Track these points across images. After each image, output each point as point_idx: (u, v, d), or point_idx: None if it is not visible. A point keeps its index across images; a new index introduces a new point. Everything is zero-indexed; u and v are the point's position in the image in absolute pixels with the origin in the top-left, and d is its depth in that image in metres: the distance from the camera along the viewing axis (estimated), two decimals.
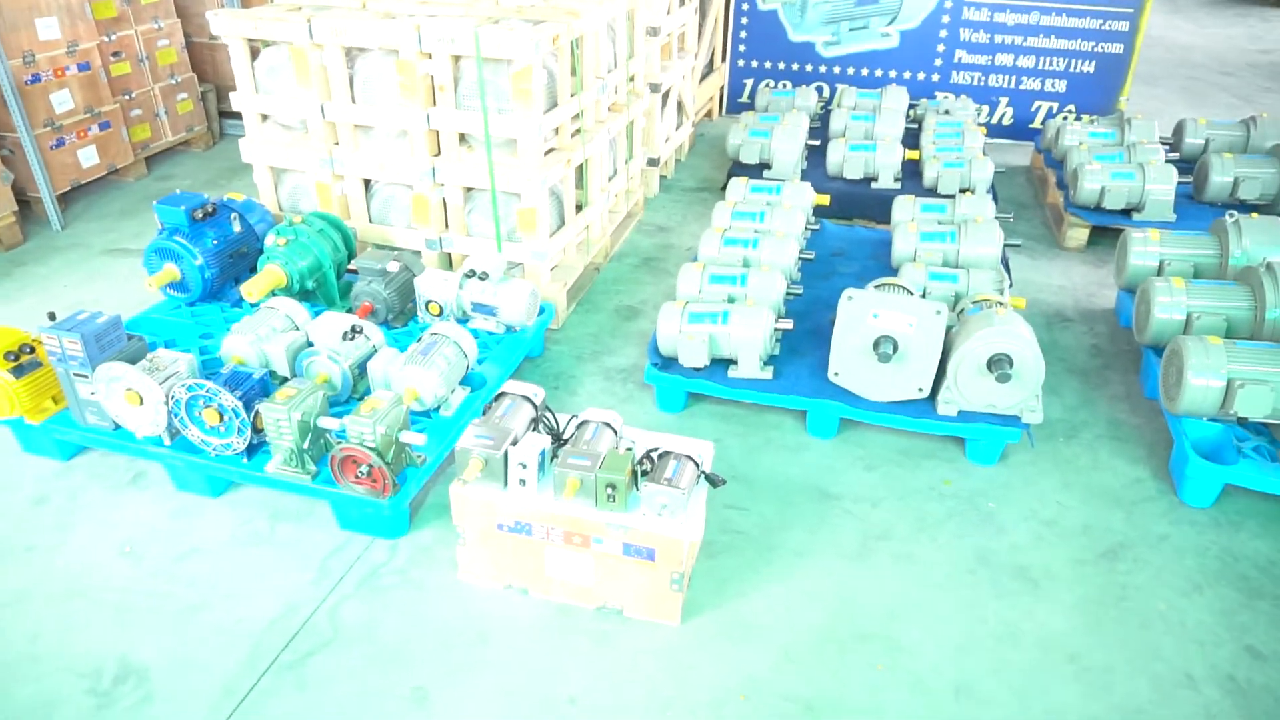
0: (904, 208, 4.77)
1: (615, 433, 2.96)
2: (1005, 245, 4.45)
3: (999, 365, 3.36)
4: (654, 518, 2.72)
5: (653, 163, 5.88)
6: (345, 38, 4.10)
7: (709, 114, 7.53)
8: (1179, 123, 6.15)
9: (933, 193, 5.46)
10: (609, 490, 2.71)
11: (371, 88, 4.25)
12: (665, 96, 6.01)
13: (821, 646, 2.85)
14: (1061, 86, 6.95)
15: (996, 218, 4.72)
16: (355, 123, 4.32)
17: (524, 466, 2.78)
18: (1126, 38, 6.72)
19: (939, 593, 3.05)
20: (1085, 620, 2.96)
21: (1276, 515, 3.39)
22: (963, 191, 5.44)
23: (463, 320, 4.04)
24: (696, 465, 2.82)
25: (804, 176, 5.75)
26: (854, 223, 5.56)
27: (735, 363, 3.76)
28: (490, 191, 4.22)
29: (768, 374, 3.74)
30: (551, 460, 2.90)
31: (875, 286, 3.95)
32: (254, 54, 4.47)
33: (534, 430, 3.00)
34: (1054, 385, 4.16)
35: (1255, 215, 4.23)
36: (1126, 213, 5.34)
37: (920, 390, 3.58)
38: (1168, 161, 5.76)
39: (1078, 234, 5.43)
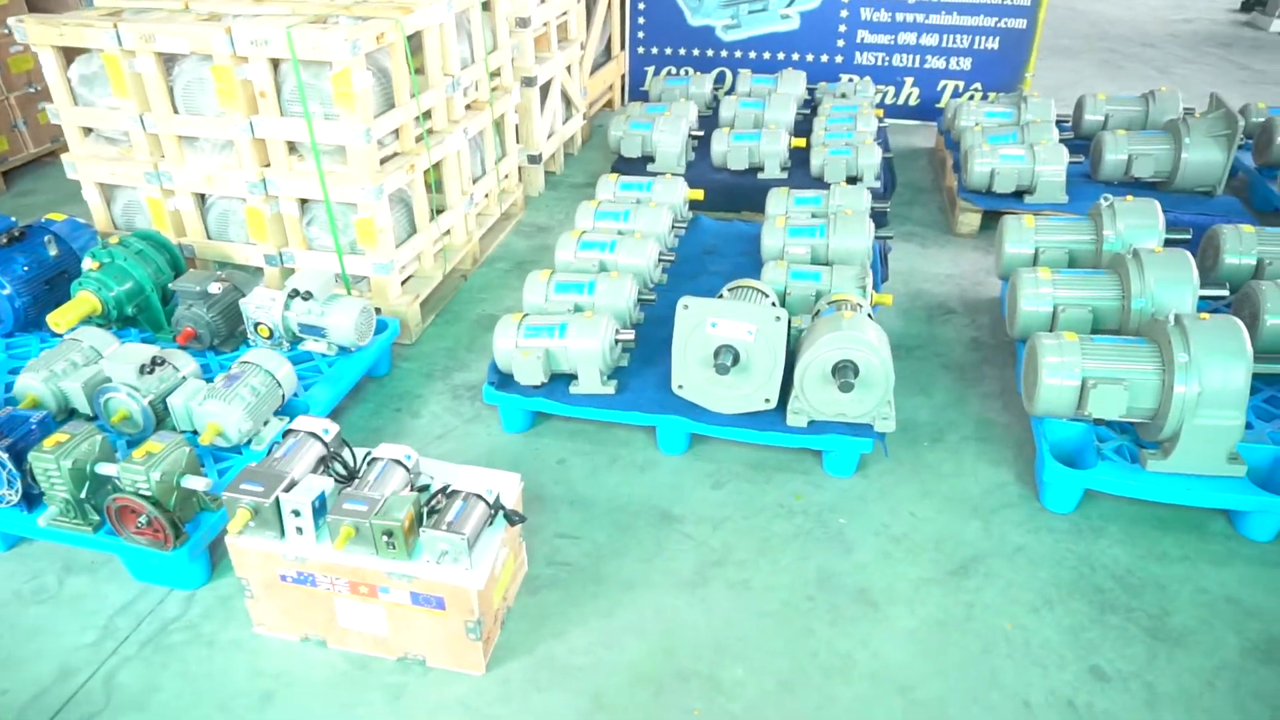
0: (778, 201, 4.55)
1: (408, 470, 2.72)
2: (879, 237, 4.25)
3: (843, 373, 3.15)
4: (439, 564, 2.49)
5: (533, 160, 5.63)
6: (156, 43, 3.80)
7: (609, 104, 7.27)
8: (1079, 99, 5.96)
9: (820, 182, 5.24)
10: (386, 538, 2.47)
11: (192, 96, 3.97)
12: (546, 89, 5.74)
13: (636, 689, 2.64)
14: (966, 64, 6.75)
15: (874, 208, 4.52)
16: (177, 133, 4.04)
17: (297, 514, 2.54)
18: (1029, 12, 6.52)
19: (772, 623, 2.84)
20: (924, 646, 2.76)
21: (1139, 518, 3.21)
22: (850, 180, 5.24)
23: (296, 342, 3.78)
24: (489, 504, 2.59)
25: (690, 169, 5.52)
26: (741, 216, 5.34)
27: (577, 378, 3.53)
28: (324, 203, 3.96)
29: (610, 389, 3.52)
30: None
31: (730, 289, 3.74)
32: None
33: (324, 470, 2.76)
34: (927, 383, 3.96)
35: (1130, 198, 4.04)
36: (1019, 195, 5.15)
37: (767, 401, 3.37)
38: (1063, 140, 5.60)
39: (969, 219, 5.24)
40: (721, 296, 3.70)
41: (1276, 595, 2.92)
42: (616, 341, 3.53)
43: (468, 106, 4.70)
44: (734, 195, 5.32)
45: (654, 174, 5.35)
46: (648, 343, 3.80)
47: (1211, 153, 5.06)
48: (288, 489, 2.59)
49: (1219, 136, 5.05)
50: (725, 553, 3.11)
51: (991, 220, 5.27)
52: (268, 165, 4.00)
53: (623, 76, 7.33)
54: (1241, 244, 3.92)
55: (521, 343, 3.50)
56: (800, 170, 5.40)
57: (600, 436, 3.64)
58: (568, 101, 6.20)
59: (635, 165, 5.53)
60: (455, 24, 4.41)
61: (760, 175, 5.37)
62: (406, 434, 3.68)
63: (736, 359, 3.27)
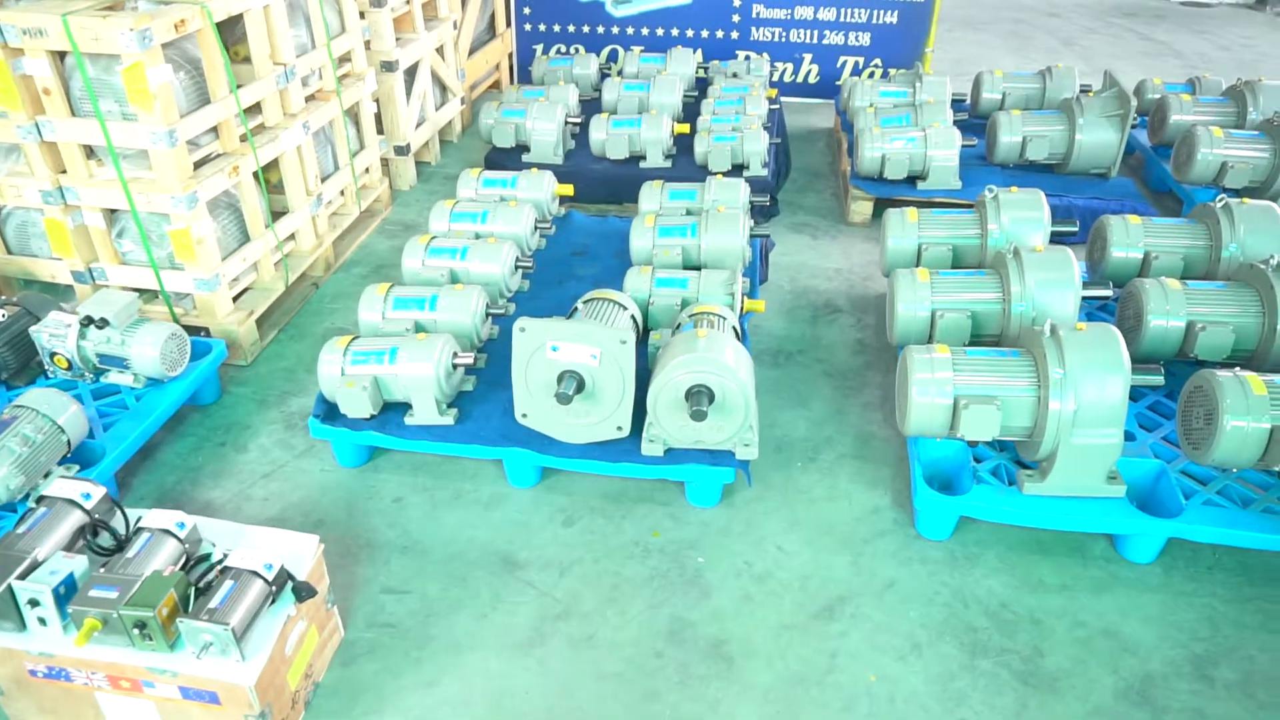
0: (650, 195, 4.22)
1: (180, 540, 2.35)
2: (756, 235, 3.95)
3: (695, 399, 2.86)
4: (199, 659, 2.13)
5: (401, 151, 5.20)
6: None
7: (496, 85, 6.84)
8: (977, 77, 5.74)
9: (705, 171, 4.92)
10: (139, 630, 2.11)
11: None
12: (412, 73, 5.31)
13: None
14: (865, 40, 6.46)
15: (752, 202, 4.22)
16: None
17: (36, 604, 2.16)
18: None
19: (613, 686, 2.55)
20: (778, 707, 2.50)
21: (1018, 543, 3.00)
22: (736, 168, 4.93)
23: (100, 374, 3.35)
24: (268, 581, 2.24)
25: (569, 158, 5.15)
26: (624, 210, 5.00)
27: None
28: (131, 212, 3.51)
29: (449, 419, 3.17)
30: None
31: (585, 301, 3.41)
32: None
33: (83, 543, 2.38)
34: (806, 394, 3.70)
35: (1015, 189, 3.79)
36: (912, 181, 4.90)
37: (619, 430, 3.06)
38: (962, 121, 5.38)
39: (861, 208, 4.98)
40: (576, 310, 3.37)
41: (1153, 624, 2.72)
42: (455, 365, 3.18)
43: (310, 97, 4.26)
44: (615, 187, 4.99)
45: (530, 165, 5.01)
46: (501, 361, 3.45)
47: (1105, 133, 4.87)
48: (26, 573, 2.20)
49: (1112, 116, 4.85)
50: (570, 603, 2.80)
51: (885, 208, 5.03)
52: (64, 172, 3.53)
53: (510, 56, 6.90)
54: (1129, 236, 3.72)
55: (349, 370, 3.13)
56: (686, 157, 5.07)
57: (445, 469, 3.30)
58: (443, 86, 5.76)
59: (510, 156, 5.14)
60: (288, 6, 3.96)
61: (643, 164, 5.03)
62: (229, 472, 3.30)
63: (581, 386, 2.95)
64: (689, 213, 4.05)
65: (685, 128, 5.07)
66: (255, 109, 3.88)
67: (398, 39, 5.11)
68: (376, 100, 5.03)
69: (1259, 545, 2.80)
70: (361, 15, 4.68)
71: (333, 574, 2.87)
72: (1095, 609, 2.78)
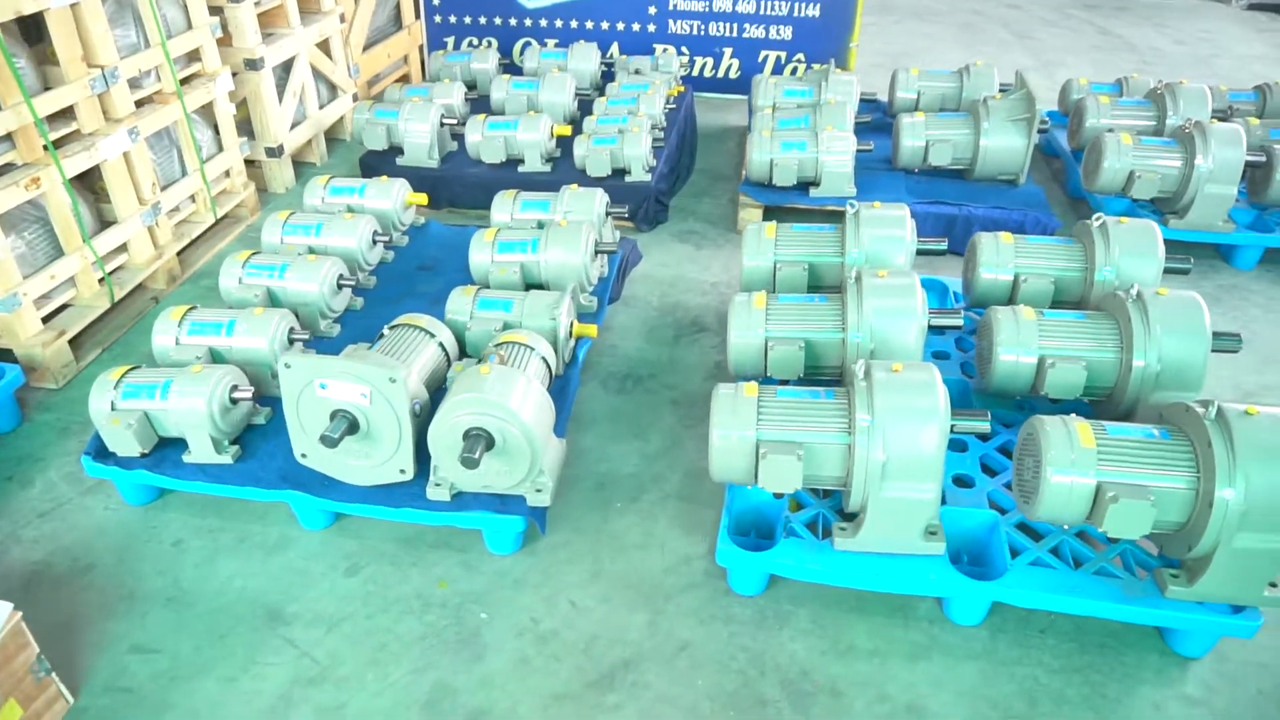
0: (502, 206, 3.95)
1: None
2: (599, 250, 3.67)
3: (470, 444, 2.59)
4: None
5: (273, 153, 4.93)
6: None
7: (405, 80, 6.55)
8: (892, 75, 5.42)
9: (584, 176, 4.65)
10: None
11: None
12: (288, 70, 5.03)
13: None
14: (787, 33, 6.16)
15: (609, 214, 3.94)
16: None
17: None
18: None
19: None
20: None
21: (836, 600, 2.73)
22: (619, 173, 4.65)
23: None
24: None
25: (447, 162, 4.88)
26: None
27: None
28: None
29: (228, 457, 2.92)
30: None
31: (391, 328, 3.15)
32: None
33: None
34: (646, 425, 3.43)
35: (878, 205, 3.51)
36: (805, 188, 4.61)
37: (403, 472, 2.81)
38: (872, 122, 5.09)
39: (750, 215, 4.68)
40: (382, 337, 3.11)
41: (965, 698, 2.46)
42: (235, 400, 2.92)
43: (146, 100, 4.00)
44: (491, 193, 4.64)
45: (403, 167, 4.75)
46: None
47: (1011, 138, 4.57)
48: None
49: (1019, 121, 4.55)
50: (329, 665, 2.55)
51: (783, 217, 4.75)
52: None
53: (421, 49, 6.61)
54: (998, 256, 3.42)
55: (119, 405, 2.88)
56: (569, 162, 4.79)
57: (234, 509, 3.05)
58: (329, 83, 5.48)
59: (384, 159, 4.87)
60: (114, 4, 3.70)
61: (521, 169, 4.75)
62: (3, 511, 3.06)
63: (354, 427, 2.69)
64: (540, 225, 3.78)
65: (566, 130, 4.78)
66: (71, 113, 3.62)
67: (269, 34, 4.84)
68: (244, 100, 4.76)
69: (1084, 611, 2.53)
70: (217, 11, 4.41)
71: (81, 630, 2.65)
72: (905, 679, 2.52)
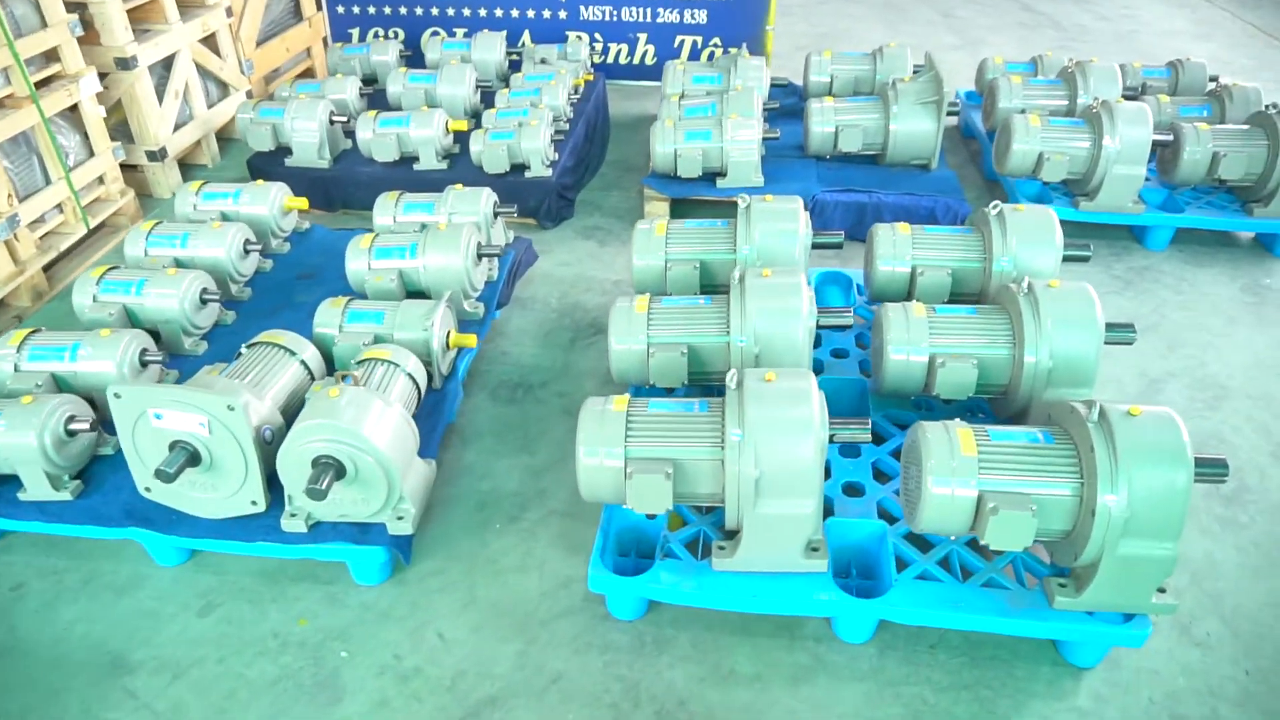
0: (384, 209, 3.74)
1: None
2: (483, 253, 3.48)
3: (317, 474, 2.41)
4: None
5: (154, 156, 4.67)
6: None
7: (309, 74, 6.27)
8: (806, 58, 5.27)
9: (482, 174, 4.44)
10: None
11: None
12: (170, 68, 4.76)
13: None
14: (703, 17, 5.97)
15: (499, 213, 3.75)
16: None
17: None
18: None
19: None
20: None
21: (720, 622, 2.59)
22: (519, 168, 4.46)
23: None
24: None
25: (338, 162, 4.65)
26: None
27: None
28: None
29: (68, 493, 2.71)
30: None
31: (249, 346, 2.94)
32: None
33: None
34: (534, 437, 3.26)
35: (770, 198, 3.35)
36: (712, 179, 4.45)
37: (254, 504, 2.62)
38: (786, 108, 4.94)
39: (656, 209, 4.52)
40: (240, 356, 2.91)
41: None
42: (73, 432, 2.70)
43: None
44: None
45: (292, 169, 4.52)
46: None
47: (921, 122, 4.44)
48: None
49: (928, 104, 4.42)
50: (170, 718, 2.37)
51: (690, 210, 4.60)
52: None
53: (325, 41, 6.33)
54: (895, 248, 3.29)
55: None
56: (468, 159, 4.58)
57: (83, 547, 2.83)
58: (218, 81, 5.21)
59: (273, 161, 4.63)
60: None
61: (416, 167, 4.54)
62: None
63: (194, 459, 2.50)
64: (423, 228, 3.58)
65: (463, 125, 4.58)
66: None
67: (144, 30, 4.56)
68: (119, 102, 4.49)
69: (969, 627, 2.42)
70: (77, 7, 4.13)
71: None
72: (786, 705, 2.39)
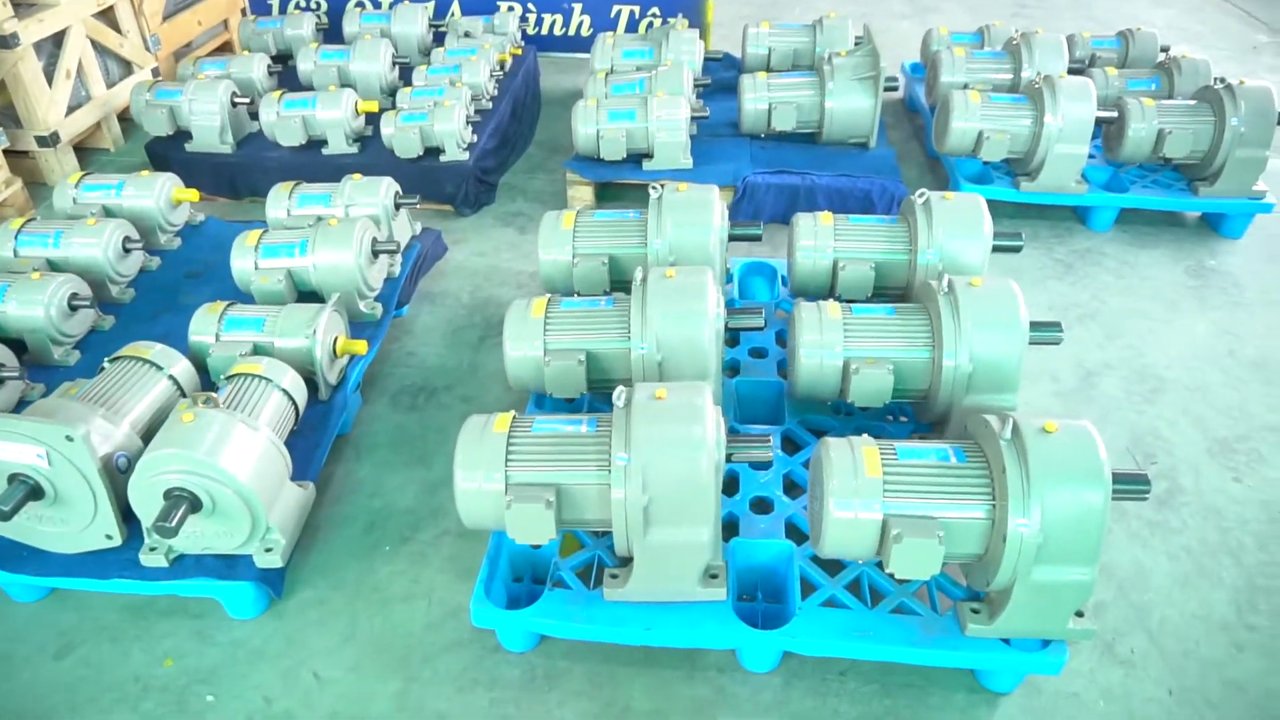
0: (278, 201, 3.49)
1: None
2: (378, 249, 3.25)
3: (168, 509, 2.20)
4: None
5: (45, 142, 4.37)
6: None
7: (226, 49, 5.94)
8: (744, 30, 5.02)
9: (393, 158, 4.19)
10: None
11: None
12: (61, 45, 4.44)
13: None
14: None
15: (400, 204, 3.52)
16: None
17: None
18: None
19: None
20: None
21: (617, 653, 2.41)
22: (433, 152, 4.21)
23: None
24: None
25: (243, 146, 4.37)
26: None
27: None
28: None
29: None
30: None
31: (111, 361, 2.71)
32: None
33: None
34: (431, 448, 3.06)
35: (683, 186, 3.14)
36: (639, 161, 4.22)
37: (109, 538, 2.41)
38: (720, 84, 4.70)
39: (581, 194, 4.29)
40: (102, 371, 2.68)
41: None
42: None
43: None
44: (293, 179, 4.21)
45: (194, 154, 4.24)
46: None
47: (858, 99, 4.23)
48: None
49: (865, 79, 4.21)
50: None
51: (619, 192, 4.38)
52: None
53: (243, 13, 5.99)
54: (816, 239, 3.10)
55: None
56: (381, 142, 4.31)
57: None
58: (118, 58, 4.89)
59: (173, 146, 4.35)
60: None
61: (325, 151, 4.27)
62: None
63: (35, 492, 2.28)
64: (319, 221, 3.33)
65: (373, 105, 4.31)
66: None
67: (28, 5, 4.25)
68: (2, 83, 4.18)
69: (877, 657, 2.27)
70: None
71: None
72: None
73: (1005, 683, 2.32)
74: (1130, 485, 2.14)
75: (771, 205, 4.15)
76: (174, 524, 2.16)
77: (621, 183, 4.20)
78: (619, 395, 2.24)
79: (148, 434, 2.53)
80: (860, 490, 2.14)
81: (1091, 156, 4.34)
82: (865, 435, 2.29)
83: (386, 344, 3.46)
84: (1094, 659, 2.42)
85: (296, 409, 2.69)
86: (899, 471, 2.17)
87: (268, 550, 2.39)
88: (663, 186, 3.13)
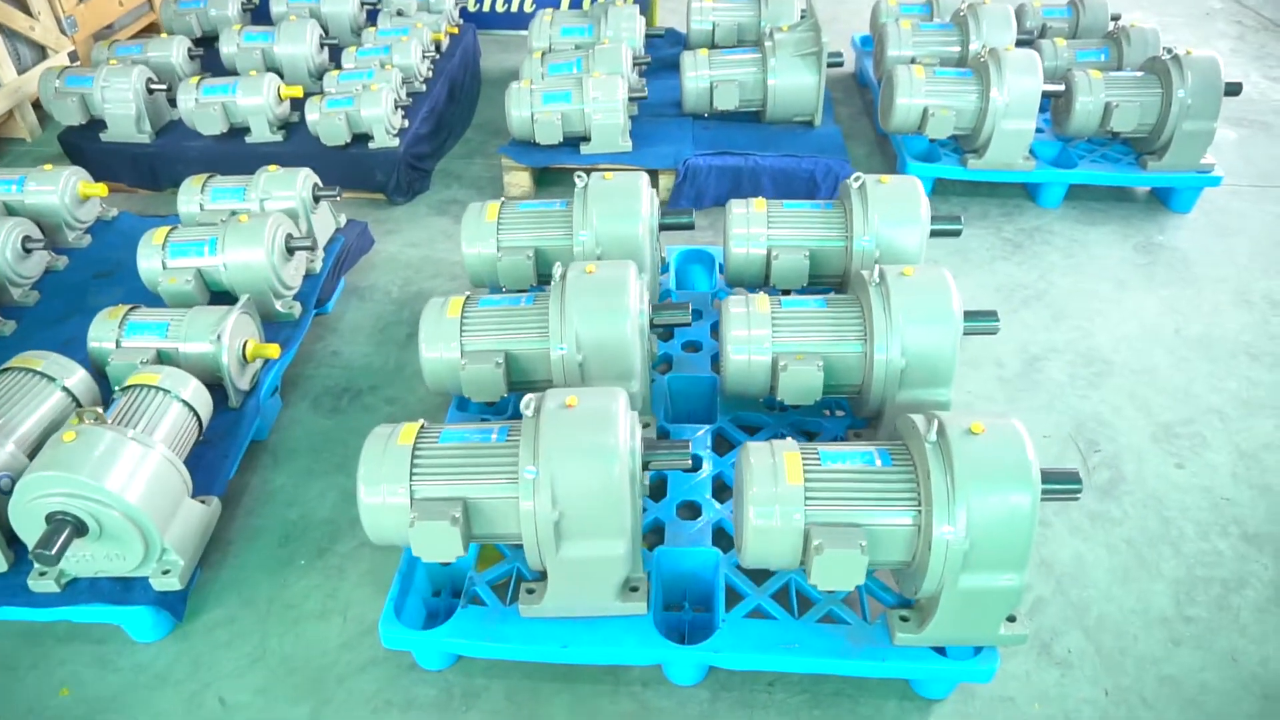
0: (190, 196, 3.33)
1: None
2: (293, 246, 3.10)
3: (50, 536, 2.07)
4: None
5: None
6: None
7: (151, 30, 5.68)
8: (688, 4, 4.86)
9: (320, 146, 4.02)
10: None
11: None
12: None
13: None
14: None
15: (320, 196, 3.36)
16: None
17: None
18: None
19: None
20: None
21: (538, 670, 2.32)
22: (361, 139, 4.04)
23: None
24: None
25: (162, 135, 4.18)
26: None
27: None
28: None
29: None
30: None
31: (5, 369, 2.55)
32: None
33: None
34: (355, 452, 2.80)
35: (610, 175, 3.01)
36: (577, 144, 4.08)
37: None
38: (661, 59, 4.54)
39: (518, 179, 4.14)
40: None
41: None
42: None
43: None
44: (216, 170, 4.02)
45: (110, 145, 4.05)
46: None
47: (801, 76, 4.11)
48: None
49: (808, 56, 4.08)
50: None
51: (552, 178, 4.23)
52: None
53: None
54: (749, 227, 2.98)
55: None
56: (308, 129, 4.13)
57: None
58: (36, 43, 4.66)
59: (87, 136, 4.15)
60: None
61: (249, 140, 4.09)
62: None
63: None
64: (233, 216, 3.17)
65: (297, 90, 4.12)
66: None
67: None
68: None
69: (804, 670, 2.20)
70: None
71: None
72: None
73: (938, 689, 2.25)
74: (1061, 485, 2.07)
75: (714, 188, 4.03)
76: (55, 551, 2.04)
77: (560, 167, 4.06)
78: (527, 403, 2.13)
79: (36, 452, 2.39)
80: (781, 498, 2.04)
81: (1041, 131, 4.24)
82: (789, 439, 2.19)
83: (309, 343, 3.32)
84: (1030, 661, 2.36)
85: (199, 422, 2.55)
86: (822, 477, 2.08)
87: (165, 572, 2.27)
88: (588, 175, 3.00)
